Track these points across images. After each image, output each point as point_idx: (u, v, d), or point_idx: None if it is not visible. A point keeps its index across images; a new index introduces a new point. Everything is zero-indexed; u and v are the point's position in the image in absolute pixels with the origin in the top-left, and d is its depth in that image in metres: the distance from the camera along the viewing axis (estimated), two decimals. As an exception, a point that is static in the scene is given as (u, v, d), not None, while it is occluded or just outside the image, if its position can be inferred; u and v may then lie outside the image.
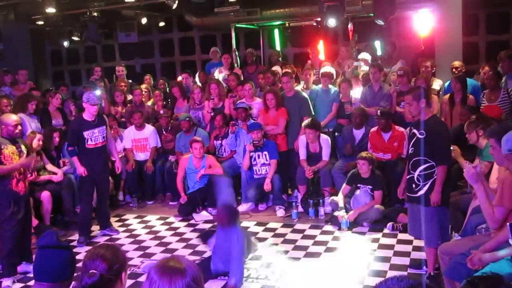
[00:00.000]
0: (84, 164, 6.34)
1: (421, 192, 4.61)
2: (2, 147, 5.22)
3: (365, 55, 8.79)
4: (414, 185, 4.66)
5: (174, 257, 2.15)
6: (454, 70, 7.52)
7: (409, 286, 1.33)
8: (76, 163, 6.42)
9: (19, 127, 5.44)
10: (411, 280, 1.36)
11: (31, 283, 2.71)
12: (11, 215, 5.26)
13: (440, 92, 7.82)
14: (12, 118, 5.45)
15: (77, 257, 5.56)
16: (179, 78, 10.06)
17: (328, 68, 8.23)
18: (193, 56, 12.83)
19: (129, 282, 4.78)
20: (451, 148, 5.09)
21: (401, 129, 6.98)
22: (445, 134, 4.62)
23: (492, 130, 3.94)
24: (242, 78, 9.02)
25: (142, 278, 5.17)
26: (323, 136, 7.27)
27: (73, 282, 2.61)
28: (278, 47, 11.05)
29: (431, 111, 4.68)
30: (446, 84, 7.55)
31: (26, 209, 5.47)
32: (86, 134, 6.32)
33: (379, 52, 9.22)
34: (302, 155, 7.26)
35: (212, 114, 8.11)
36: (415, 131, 4.62)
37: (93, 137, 6.37)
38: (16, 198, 5.30)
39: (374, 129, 7.10)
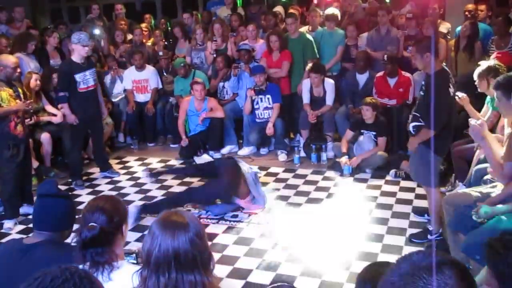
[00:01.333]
0: (77, 108, 6.21)
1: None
2: (0, 89, 5.11)
3: None
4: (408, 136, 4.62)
5: (177, 211, 2.09)
6: (467, 13, 7.26)
7: (436, 262, 1.26)
8: (66, 111, 6.23)
9: (18, 69, 5.30)
10: (438, 256, 1.28)
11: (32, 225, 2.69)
12: (10, 157, 5.21)
13: (448, 36, 7.60)
14: (11, 59, 5.30)
15: (78, 199, 5.64)
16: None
17: (332, 10, 7.97)
18: (195, -6, 12.45)
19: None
20: (459, 96, 4.98)
21: (408, 74, 6.82)
22: (440, 99, 4.13)
23: (499, 82, 3.81)
24: (244, 19, 8.77)
25: (143, 222, 5.16)
26: (328, 80, 7.12)
27: (72, 235, 2.56)
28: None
29: (438, 64, 4.45)
30: (458, 29, 7.30)
31: (26, 151, 5.41)
32: (77, 77, 6.14)
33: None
34: (306, 99, 7.14)
35: (214, 55, 7.92)
36: (423, 83, 4.48)
37: (85, 80, 6.20)
38: (15, 141, 5.23)
39: (380, 74, 6.94)
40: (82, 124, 6.35)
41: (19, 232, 5.15)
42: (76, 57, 6.18)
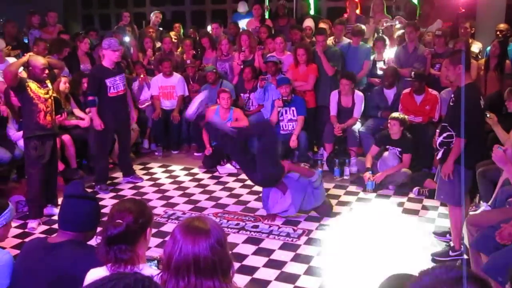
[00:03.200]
0: (107, 113, 6.29)
1: (438, 156, 4.56)
2: (27, 81, 5.24)
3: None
4: (433, 153, 4.60)
5: (199, 217, 2.12)
6: (498, 33, 7.19)
7: (458, 277, 1.26)
8: (94, 115, 6.31)
9: (46, 71, 5.42)
10: (460, 271, 1.28)
11: (56, 225, 2.73)
12: (37, 158, 5.30)
13: (479, 56, 7.54)
14: (41, 61, 5.41)
15: (102, 203, 5.69)
16: (209, 28, 9.90)
17: (359, 26, 7.97)
18: (224, 5, 12.57)
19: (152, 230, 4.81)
20: (488, 115, 4.93)
21: (435, 92, 6.78)
22: (470, 106, 4.09)
23: None
24: (272, 31, 8.82)
25: (165, 228, 5.22)
26: (358, 92, 7.13)
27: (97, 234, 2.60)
28: (311, 0, 10.73)
29: (470, 77, 4.45)
30: (487, 48, 7.24)
31: (52, 152, 5.50)
32: (108, 82, 6.24)
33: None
34: (333, 111, 7.14)
35: (241, 66, 7.98)
36: (452, 95, 4.48)
37: (115, 85, 6.29)
38: (43, 132, 5.32)
39: (406, 90, 6.91)
40: (111, 129, 6.43)
41: (43, 232, 5.22)
42: (106, 63, 6.28)
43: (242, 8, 10.16)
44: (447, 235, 4.88)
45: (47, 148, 5.40)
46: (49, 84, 5.49)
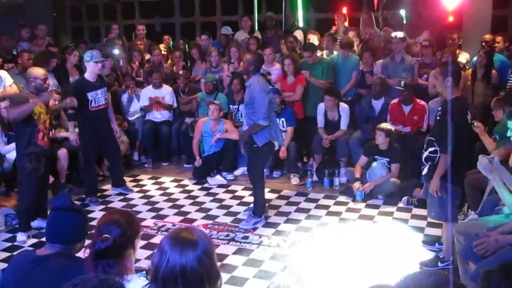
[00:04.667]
0: (88, 126, 6.28)
1: (424, 172, 4.56)
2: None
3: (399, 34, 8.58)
4: (421, 164, 4.61)
5: (187, 228, 2.12)
6: (484, 44, 7.28)
7: (437, 282, 1.28)
8: (71, 129, 6.30)
9: (48, 81, 5.43)
10: (439, 277, 1.30)
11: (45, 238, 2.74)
12: (32, 171, 5.29)
13: (466, 66, 7.62)
14: (41, 71, 5.45)
15: (91, 215, 5.68)
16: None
17: (347, 37, 8.05)
18: (213, 17, 12.63)
19: (141, 242, 4.81)
20: (475, 124, 4.98)
21: (423, 102, 6.85)
22: (458, 120, 4.11)
23: (510, 111, 3.83)
24: (261, 42, 8.88)
25: (155, 240, 5.20)
26: (343, 105, 7.17)
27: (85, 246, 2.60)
28: (300, 12, 10.82)
29: (458, 91, 4.47)
30: (474, 59, 7.33)
31: (46, 166, 5.49)
32: (89, 95, 6.21)
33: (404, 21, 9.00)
34: (320, 123, 7.18)
35: (230, 77, 8.02)
36: (439, 108, 4.50)
37: (96, 99, 6.27)
38: (40, 152, 5.32)
39: (394, 101, 6.97)
40: (94, 142, 6.40)
41: (32, 245, 5.19)
42: (88, 76, 6.26)
43: (225, 31, 10.16)
44: (436, 244, 4.91)
45: (41, 162, 5.37)
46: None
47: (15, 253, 4.89)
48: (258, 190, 5.70)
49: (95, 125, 6.33)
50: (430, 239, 5.06)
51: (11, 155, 6.22)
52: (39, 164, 5.34)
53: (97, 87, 6.27)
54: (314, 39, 8.66)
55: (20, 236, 5.35)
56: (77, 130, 6.41)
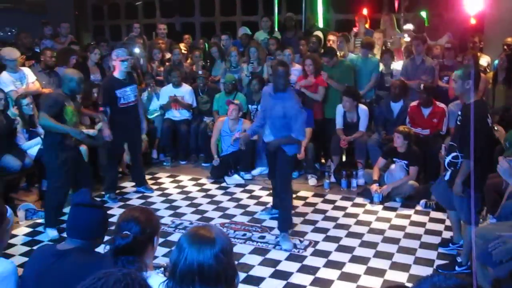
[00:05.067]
0: (117, 123, 6.34)
1: (446, 177, 4.53)
2: (66, 104, 5.31)
3: (409, 26, 8.52)
4: (442, 168, 4.58)
5: (206, 226, 2.14)
6: (505, 47, 7.20)
7: (457, 285, 1.27)
8: (104, 125, 6.37)
9: (82, 85, 5.53)
10: (459, 279, 1.29)
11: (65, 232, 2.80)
12: (59, 167, 5.36)
13: (487, 69, 7.55)
14: (78, 74, 5.54)
15: (111, 212, 5.74)
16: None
17: (368, 37, 8.03)
18: (233, 17, 12.66)
19: (159, 240, 4.86)
20: (496, 128, 4.93)
21: (442, 105, 6.79)
22: (478, 125, 4.04)
23: None
24: (280, 43, 8.87)
25: (172, 237, 5.25)
26: (362, 107, 7.15)
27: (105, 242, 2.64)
28: (320, 13, 10.79)
29: (478, 95, 4.41)
30: (495, 62, 7.25)
31: (74, 159, 5.56)
32: (118, 92, 6.30)
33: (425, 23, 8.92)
34: (339, 124, 7.17)
35: (249, 78, 8.03)
36: (459, 112, 4.46)
37: (125, 96, 6.35)
38: (66, 151, 5.40)
39: (414, 103, 6.92)
40: (121, 139, 6.48)
41: (52, 240, 5.26)
42: (117, 73, 6.35)
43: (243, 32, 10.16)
44: (450, 244, 4.91)
45: (68, 159, 5.43)
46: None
47: (35, 247, 4.98)
48: (286, 203, 5.33)
49: (124, 122, 6.38)
50: (444, 241, 5.06)
51: (32, 150, 6.32)
52: (66, 161, 5.39)
53: (126, 84, 6.34)
54: (334, 40, 8.63)
55: (51, 232, 5.38)
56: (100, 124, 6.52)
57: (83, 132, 5.66)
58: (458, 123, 4.36)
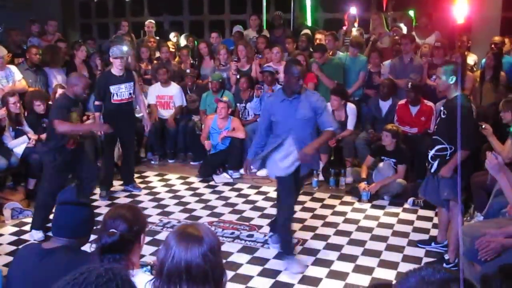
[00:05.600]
0: (108, 119, 6.31)
1: (433, 169, 4.56)
2: (72, 110, 5.29)
3: (399, 26, 8.56)
4: (427, 163, 4.63)
5: (193, 224, 2.12)
6: (493, 46, 7.25)
7: (446, 278, 1.26)
8: (97, 120, 6.41)
9: (87, 91, 5.55)
10: (447, 273, 1.28)
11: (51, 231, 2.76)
12: (53, 167, 5.31)
13: (475, 68, 7.60)
14: (85, 80, 5.52)
15: (98, 210, 5.70)
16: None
17: (357, 36, 8.04)
18: (222, 16, 12.62)
19: (147, 239, 4.83)
20: (483, 126, 4.97)
21: (430, 103, 6.81)
22: (466, 117, 4.13)
23: None
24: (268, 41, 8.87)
25: (160, 236, 5.22)
26: (350, 105, 7.15)
27: (91, 240, 2.62)
28: (308, 11, 10.79)
29: (464, 92, 4.48)
30: (483, 60, 7.30)
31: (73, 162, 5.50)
32: (112, 88, 6.31)
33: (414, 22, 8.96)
34: (327, 122, 7.16)
35: (237, 76, 8.02)
36: (442, 108, 4.51)
37: (119, 92, 6.36)
38: (65, 155, 5.35)
39: (402, 101, 6.94)
40: (112, 135, 6.43)
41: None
42: (113, 70, 6.40)
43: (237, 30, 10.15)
44: (432, 243, 4.94)
45: (63, 160, 5.36)
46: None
47: (20, 246, 4.92)
48: (285, 222, 4.69)
49: (116, 118, 6.35)
50: (427, 239, 5.09)
51: (19, 149, 6.25)
52: (61, 161, 5.34)
53: (122, 81, 6.36)
54: (321, 39, 8.64)
55: (36, 234, 5.26)
56: (88, 122, 6.56)
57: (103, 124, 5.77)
58: (443, 116, 4.40)
